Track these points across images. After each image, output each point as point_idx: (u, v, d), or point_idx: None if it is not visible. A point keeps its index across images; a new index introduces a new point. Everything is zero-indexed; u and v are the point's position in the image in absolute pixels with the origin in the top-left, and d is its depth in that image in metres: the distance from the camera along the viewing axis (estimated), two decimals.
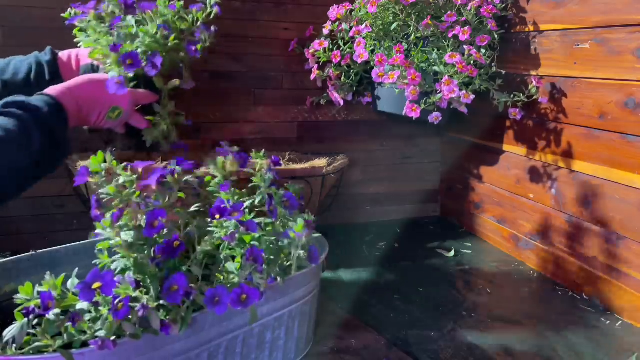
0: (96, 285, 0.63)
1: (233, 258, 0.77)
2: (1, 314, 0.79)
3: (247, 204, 0.82)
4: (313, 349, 0.94)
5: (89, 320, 0.65)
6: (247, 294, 0.70)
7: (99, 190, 0.72)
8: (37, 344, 0.63)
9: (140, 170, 0.74)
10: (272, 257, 0.80)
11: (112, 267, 0.70)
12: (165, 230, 0.72)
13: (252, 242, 0.78)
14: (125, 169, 0.74)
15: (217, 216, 0.75)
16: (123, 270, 0.70)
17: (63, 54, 1.05)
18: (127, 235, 0.70)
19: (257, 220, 0.78)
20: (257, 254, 0.74)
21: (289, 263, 0.83)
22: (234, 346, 0.79)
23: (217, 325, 0.75)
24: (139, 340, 0.66)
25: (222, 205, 0.76)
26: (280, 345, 0.86)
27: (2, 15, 1.29)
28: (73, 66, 1.05)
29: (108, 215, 0.70)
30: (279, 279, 0.80)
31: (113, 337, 0.64)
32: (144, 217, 0.70)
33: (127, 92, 0.91)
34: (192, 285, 0.69)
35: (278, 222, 0.83)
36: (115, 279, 0.66)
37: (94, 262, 0.72)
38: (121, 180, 0.72)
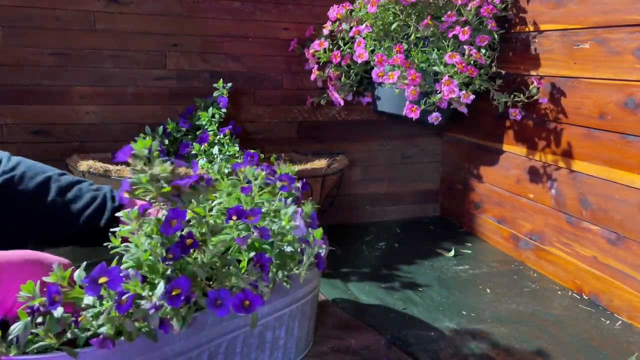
0: (102, 279, 0.63)
1: (239, 261, 0.77)
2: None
3: (264, 209, 0.82)
4: (313, 348, 0.94)
5: (92, 317, 0.64)
6: (250, 300, 0.70)
7: (132, 177, 0.72)
8: (40, 343, 0.63)
9: (179, 169, 0.74)
10: (278, 261, 0.80)
11: (124, 258, 0.70)
12: (183, 232, 0.71)
13: (263, 247, 0.78)
14: (164, 162, 0.73)
15: (234, 217, 0.75)
16: (133, 264, 0.69)
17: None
18: (148, 229, 0.70)
19: (270, 227, 0.78)
20: (264, 262, 0.74)
21: (298, 270, 0.82)
22: (234, 346, 0.79)
23: (218, 325, 0.75)
24: (139, 339, 0.66)
25: (241, 208, 0.76)
26: (280, 345, 0.86)
27: (2, 15, 1.29)
28: None
29: (134, 208, 0.70)
30: (285, 284, 0.80)
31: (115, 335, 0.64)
32: (166, 213, 0.70)
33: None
34: (194, 289, 0.69)
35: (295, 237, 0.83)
36: (122, 272, 0.66)
37: (106, 244, 0.72)
38: (156, 171, 0.72)
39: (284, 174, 0.89)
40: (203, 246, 0.72)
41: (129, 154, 0.71)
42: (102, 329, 0.64)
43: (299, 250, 0.81)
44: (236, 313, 0.70)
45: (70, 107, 1.38)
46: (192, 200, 0.74)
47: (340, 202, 1.58)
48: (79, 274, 0.67)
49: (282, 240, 0.81)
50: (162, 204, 0.72)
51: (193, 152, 1.31)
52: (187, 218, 0.71)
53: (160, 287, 0.66)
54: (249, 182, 0.87)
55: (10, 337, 0.62)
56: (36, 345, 0.62)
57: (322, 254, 0.86)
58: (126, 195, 0.72)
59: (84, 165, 1.20)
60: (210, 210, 0.79)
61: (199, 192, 0.74)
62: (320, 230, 0.81)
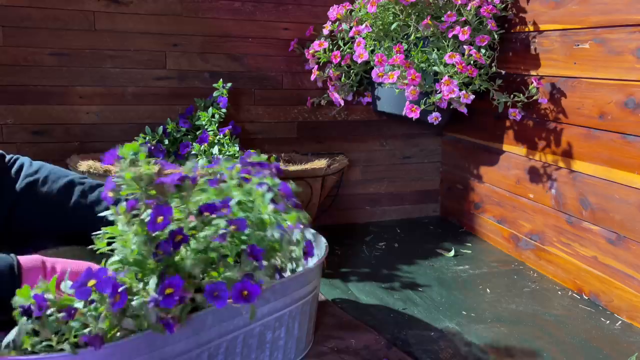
0: (91, 283, 0.63)
1: (226, 256, 0.76)
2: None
3: (234, 201, 0.80)
4: (313, 349, 0.94)
5: (94, 316, 0.64)
6: (248, 290, 0.70)
7: (116, 175, 0.72)
8: (37, 339, 0.63)
9: (162, 168, 0.74)
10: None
11: (111, 260, 0.70)
12: (170, 228, 0.71)
13: (243, 238, 0.77)
14: (149, 162, 0.73)
15: (206, 214, 0.74)
16: (120, 262, 0.69)
17: None
18: (136, 226, 0.69)
19: (244, 216, 0.77)
20: (257, 253, 0.74)
21: (281, 264, 0.81)
22: (234, 346, 0.79)
23: (217, 325, 0.75)
24: (139, 339, 0.66)
25: (212, 203, 0.75)
26: (280, 345, 0.86)
27: (2, 15, 1.29)
28: None
29: (122, 203, 0.70)
30: (268, 278, 0.78)
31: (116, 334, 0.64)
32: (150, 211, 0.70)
33: None
34: (187, 287, 0.69)
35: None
36: (112, 273, 0.66)
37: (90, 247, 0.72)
38: (141, 170, 0.71)
39: (257, 161, 0.86)
40: (192, 239, 0.72)
41: (115, 158, 0.72)
42: (100, 326, 0.63)
43: (278, 236, 0.79)
44: (237, 303, 0.69)
45: (70, 107, 1.38)
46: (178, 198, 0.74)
47: (340, 202, 1.58)
48: (65, 283, 0.67)
49: (260, 227, 0.80)
50: (146, 202, 0.72)
51: (193, 152, 1.31)
52: (173, 213, 0.71)
53: (153, 281, 0.66)
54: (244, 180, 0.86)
55: (7, 341, 0.62)
56: (32, 342, 0.62)
57: (312, 247, 0.84)
58: (110, 194, 0.72)
59: (84, 165, 1.20)
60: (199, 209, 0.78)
61: (184, 190, 0.74)
62: (294, 215, 0.79)
